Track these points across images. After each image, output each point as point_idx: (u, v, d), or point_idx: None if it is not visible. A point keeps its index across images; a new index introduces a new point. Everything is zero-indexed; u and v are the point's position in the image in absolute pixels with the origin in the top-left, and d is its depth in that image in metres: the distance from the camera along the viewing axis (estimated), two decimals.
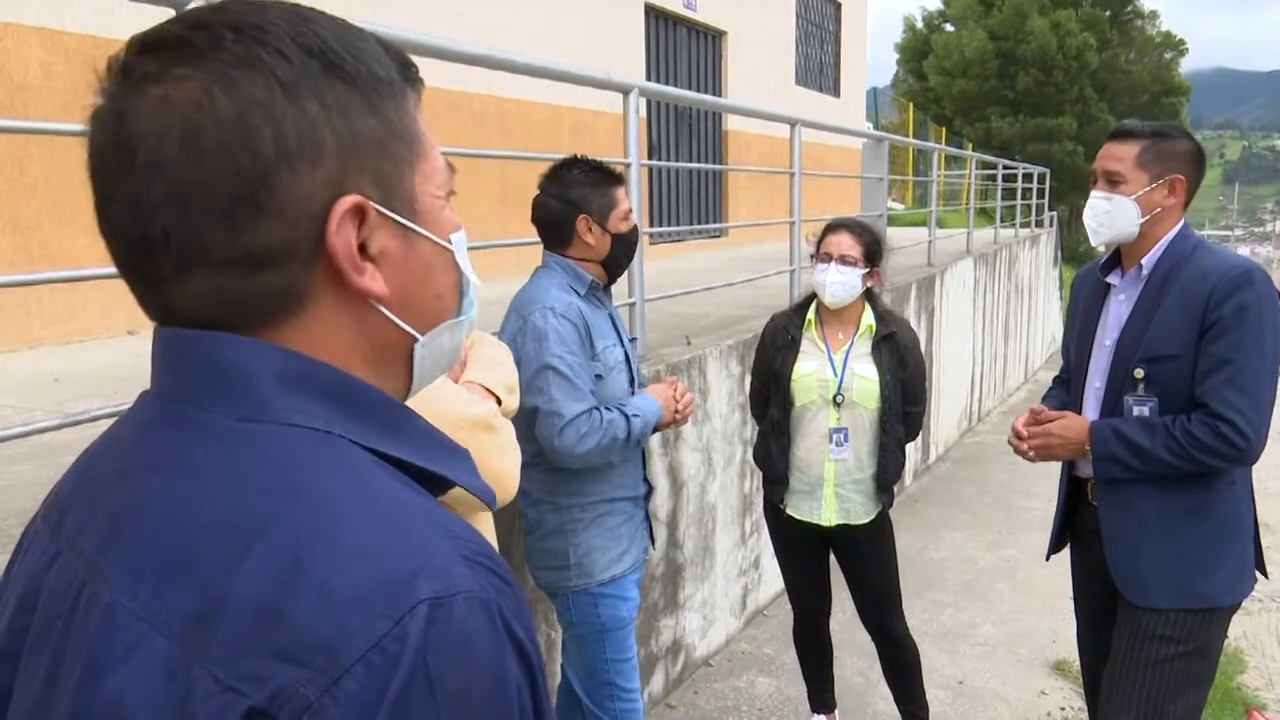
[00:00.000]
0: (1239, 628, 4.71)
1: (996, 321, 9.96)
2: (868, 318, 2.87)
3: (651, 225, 8.98)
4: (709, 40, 10.55)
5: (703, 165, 7.44)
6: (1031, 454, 2.26)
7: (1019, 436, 2.29)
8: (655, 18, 9.40)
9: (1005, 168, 12.11)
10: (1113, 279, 2.26)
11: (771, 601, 4.50)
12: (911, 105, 23.11)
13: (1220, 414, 1.99)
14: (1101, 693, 2.23)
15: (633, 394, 2.36)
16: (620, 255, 2.29)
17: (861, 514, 2.91)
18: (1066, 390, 2.42)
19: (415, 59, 0.67)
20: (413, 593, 0.50)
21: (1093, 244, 2.21)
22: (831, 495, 2.89)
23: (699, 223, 10.25)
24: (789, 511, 2.95)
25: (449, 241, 0.66)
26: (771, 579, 4.44)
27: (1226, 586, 2.10)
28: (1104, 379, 2.21)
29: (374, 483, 0.56)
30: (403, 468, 0.60)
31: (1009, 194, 12.68)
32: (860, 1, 14.87)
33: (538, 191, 2.28)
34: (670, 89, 4.05)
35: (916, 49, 30.24)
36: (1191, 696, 2.14)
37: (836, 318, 2.88)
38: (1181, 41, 29.98)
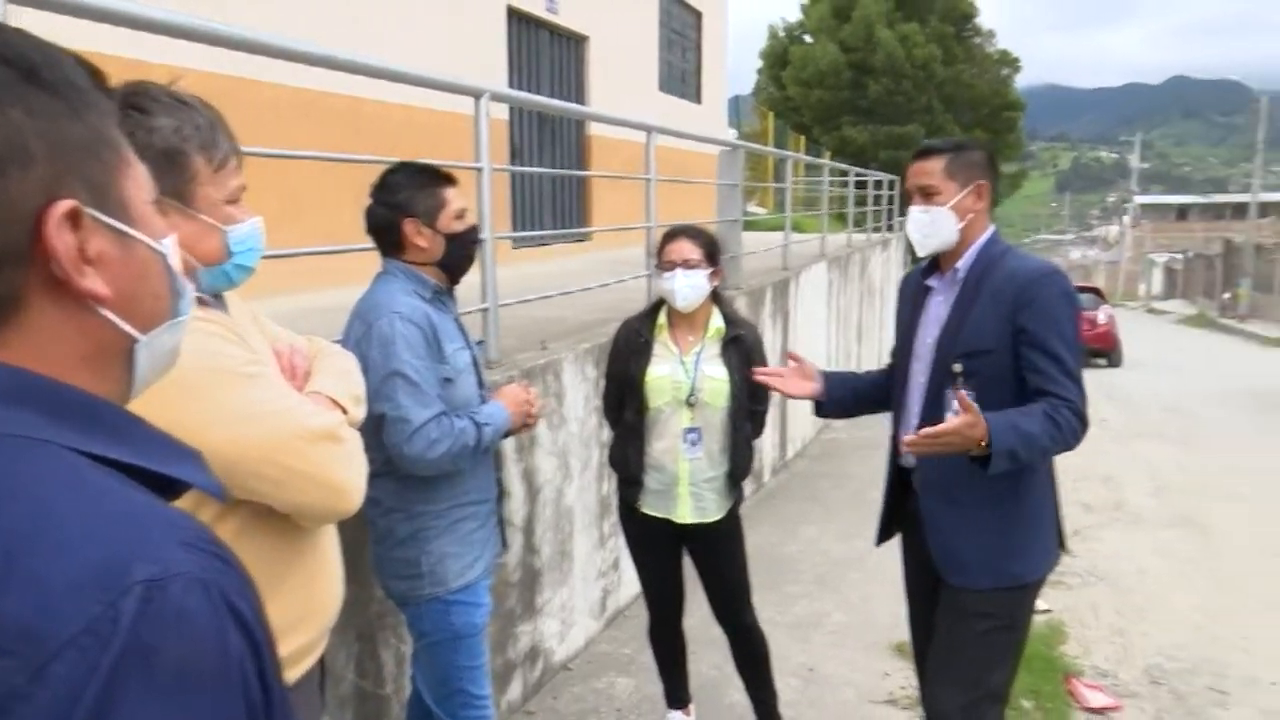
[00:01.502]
0: (1061, 601, 5.07)
1: (850, 322, 10.38)
2: (716, 320, 2.96)
3: (516, 229, 8.93)
4: (571, 44, 10.58)
5: (553, 170, 7.45)
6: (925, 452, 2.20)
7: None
8: (517, 20, 9.36)
9: (857, 174, 12.63)
10: (932, 282, 2.42)
11: (632, 602, 4.55)
12: (772, 114, 23.78)
13: (1076, 404, 2.16)
14: (928, 669, 2.38)
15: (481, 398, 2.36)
16: (457, 256, 2.28)
17: (715, 511, 2.99)
18: (887, 379, 2.56)
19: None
20: (127, 577, 0.51)
21: (919, 254, 2.37)
22: (686, 494, 2.96)
23: (563, 227, 10.26)
24: (645, 510, 3.01)
25: (161, 246, 0.68)
26: (631, 580, 4.49)
27: (1035, 564, 2.28)
28: (927, 373, 2.36)
29: (91, 483, 0.57)
30: (129, 470, 0.61)
31: (861, 200, 13.22)
32: (720, 11, 15.21)
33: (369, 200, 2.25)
34: (522, 94, 4.06)
35: (778, 57, 31.20)
36: (1005, 667, 2.31)
37: (686, 321, 2.96)
38: (1016, 59, 31.92)
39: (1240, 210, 41.71)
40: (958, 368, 2.25)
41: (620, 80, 11.41)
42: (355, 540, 2.35)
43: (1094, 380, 15.04)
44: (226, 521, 1.37)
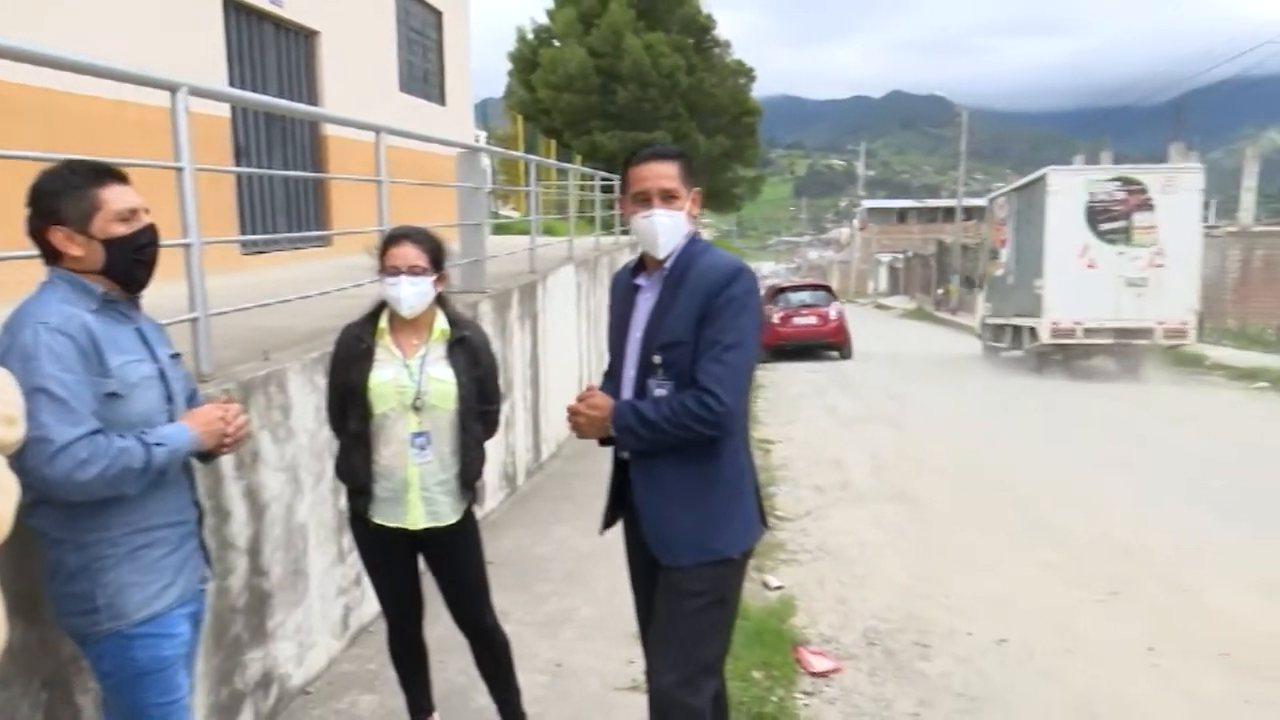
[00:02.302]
0: (792, 578, 5.49)
1: (600, 323, 10.65)
2: (440, 322, 2.97)
3: (245, 233, 8.42)
4: (299, 40, 10.12)
5: (271, 171, 7.14)
6: (575, 429, 2.53)
7: (571, 412, 2.53)
8: (236, 12, 8.82)
9: (603, 179, 12.99)
10: (640, 280, 2.56)
11: (377, 617, 4.44)
12: (521, 117, 23.91)
13: (706, 387, 2.34)
14: (648, 648, 2.52)
15: (181, 412, 2.22)
16: (122, 261, 2.09)
17: (449, 514, 2.99)
18: (612, 382, 2.69)
19: None
20: None
21: (659, 256, 2.48)
22: (417, 499, 2.93)
23: (301, 230, 9.80)
24: (376, 520, 2.96)
25: None
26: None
27: (736, 539, 2.48)
28: (635, 367, 2.50)
29: None
30: None
31: (610, 204, 13.61)
32: (462, 11, 15.08)
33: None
34: (228, 90, 3.85)
35: (527, 60, 31.39)
36: (719, 641, 2.49)
37: (410, 324, 2.94)
38: (751, 70, 34.03)
39: (950, 214, 46.69)
40: (657, 359, 2.41)
41: (356, 79, 11.05)
42: (29, 575, 2.14)
43: (828, 372, 16.44)
44: None
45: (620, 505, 2.68)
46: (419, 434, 2.89)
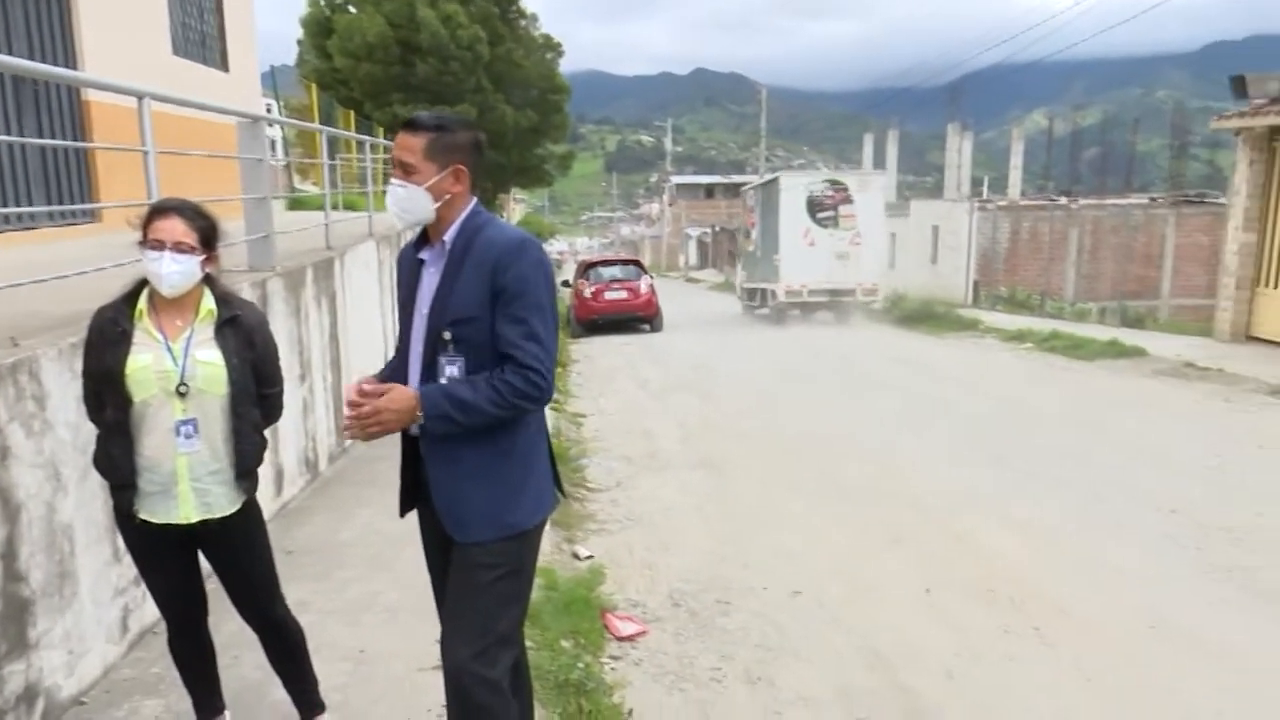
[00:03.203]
0: (602, 547, 5.61)
1: None
2: (207, 302, 2.80)
3: None
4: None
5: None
6: (365, 433, 2.36)
7: (354, 418, 2.37)
8: None
9: None
10: (424, 255, 2.52)
11: (160, 618, 4.19)
12: (315, 85, 22.76)
13: (528, 365, 2.34)
14: (443, 624, 2.52)
15: None
16: None
17: (226, 505, 2.84)
18: (403, 359, 2.63)
19: None
20: None
21: (398, 227, 2.45)
22: (188, 491, 2.77)
23: (62, 204, 8.98)
24: (143, 516, 2.77)
25: None
26: None
27: (529, 512, 2.50)
28: (424, 343, 2.47)
29: None
30: None
31: None
32: None
33: None
34: None
35: (321, 25, 29.85)
36: (514, 610, 2.52)
37: (173, 305, 2.76)
38: (559, 44, 33.87)
39: None
40: (447, 335, 2.39)
41: (121, 40, 10.18)
42: None
43: (639, 345, 16.81)
44: None
45: (415, 485, 2.64)
46: (185, 421, 2.73)
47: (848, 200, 20.07)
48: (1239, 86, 12.87)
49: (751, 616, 4.63)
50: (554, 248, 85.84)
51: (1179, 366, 11.39)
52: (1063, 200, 26.83)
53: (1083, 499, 6.31)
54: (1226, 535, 5.51)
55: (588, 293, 19.83)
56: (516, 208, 69.03)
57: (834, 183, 20.40)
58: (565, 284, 22.26)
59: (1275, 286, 12.72)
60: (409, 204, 2.41)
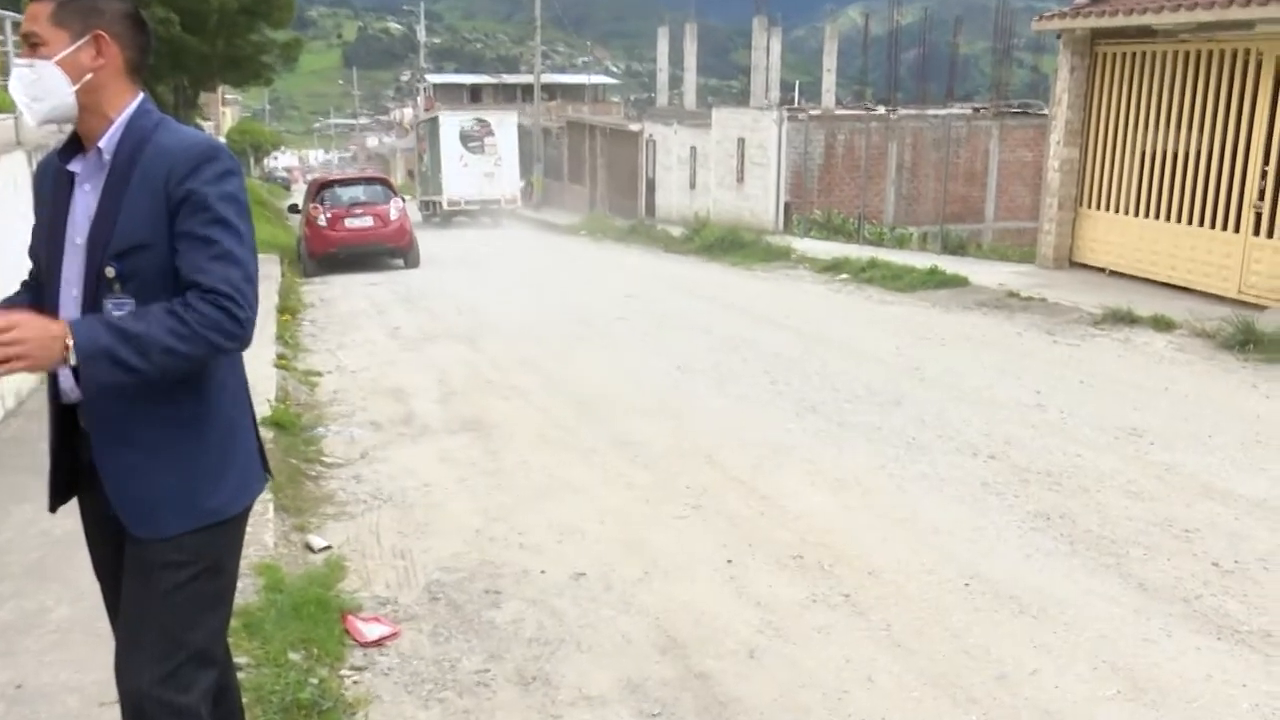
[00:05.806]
0: (342, 534, 5.51)
1: None
2: None
3: None
4: None
5: None
6: None
7: None
8: None
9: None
10: (74, 166, 2.33)
11: None
12: None
13: (221, 290, 2.19)
14: (118, 641, 2.38)
15: None
16: None
17: None
18: (37, 296, 2.42)
19: None
20: None
21: (32, 123, 2.25)
22: None
23: None
24: None
25: None
26: None
27: (234, 495, 2.41)
28: (81, 283, 2.29)
29: None
30: None
31: None
32: None
33: None
34: None
35: None
36: (213, 618, 2.42)
37: None
38: None
39: (530, 91, 48.09)
40: (110, 272, 2.23)
41: None
42: None
43: (390, 284, 16.55)
44: None
45: (73, 467, 2.47)
46: None
47: (490, 133, 33.22)
48: None
49: (526, 606, 4.69)
50: (279, 163, 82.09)
51: (1001, 297, 12.42)
52: (881, 110, 28.37)
53: (898, 448, 6.79)
54: (1045, 480, 6.10)
55: (323, 220, 19.13)
56: (227, 111, 65.20)
57: (480, 120, 34.17)
58: (294, 209, 21.35)
59: (1098, 206, 14.04)
60: (38, 88, 2.23)
